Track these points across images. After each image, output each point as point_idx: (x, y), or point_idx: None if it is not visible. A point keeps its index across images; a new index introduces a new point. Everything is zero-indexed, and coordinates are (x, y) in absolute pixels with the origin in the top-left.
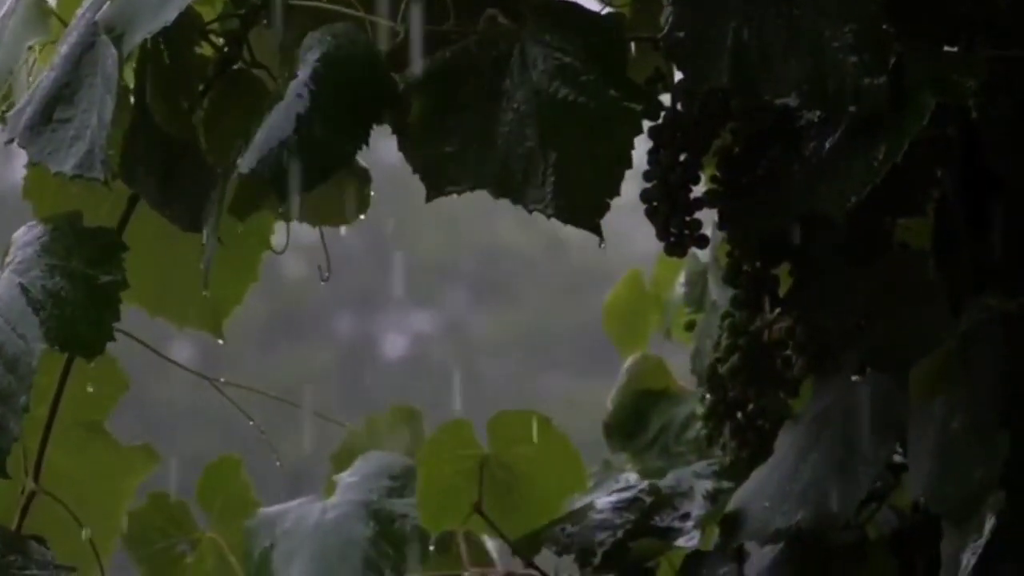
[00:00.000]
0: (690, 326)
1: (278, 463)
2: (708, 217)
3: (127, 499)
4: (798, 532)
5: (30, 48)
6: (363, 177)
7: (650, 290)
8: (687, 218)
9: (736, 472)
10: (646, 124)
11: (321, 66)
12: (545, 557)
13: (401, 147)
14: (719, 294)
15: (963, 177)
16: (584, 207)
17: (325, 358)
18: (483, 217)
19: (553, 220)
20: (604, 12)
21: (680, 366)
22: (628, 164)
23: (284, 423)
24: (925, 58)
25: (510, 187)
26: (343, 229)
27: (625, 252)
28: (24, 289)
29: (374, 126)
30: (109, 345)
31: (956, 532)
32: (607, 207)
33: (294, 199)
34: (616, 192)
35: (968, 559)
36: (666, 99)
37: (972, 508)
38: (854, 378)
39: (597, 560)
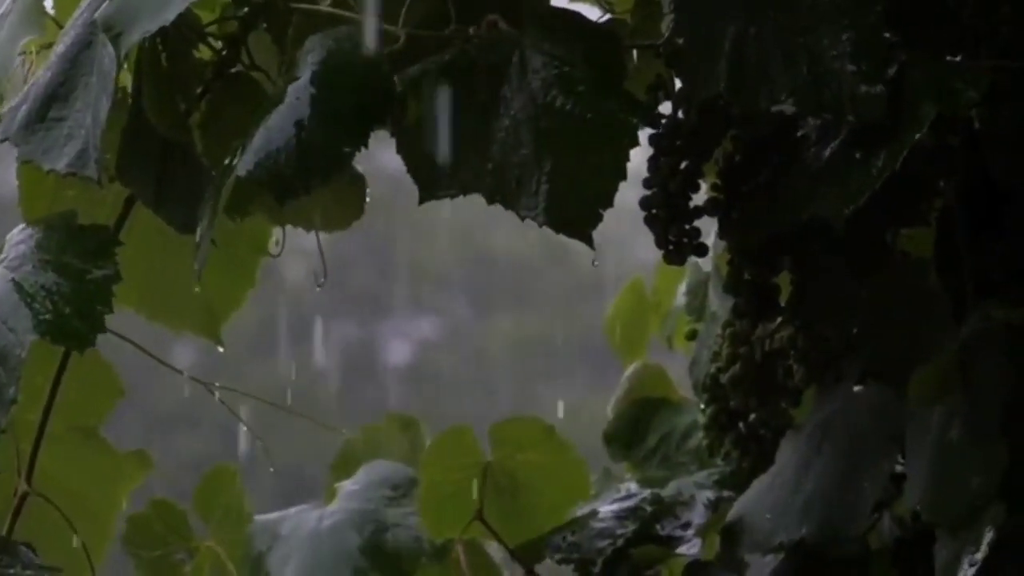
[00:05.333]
0: (692, 335)
1: (271, 469)
2: (709, 226)
3: (120, 505)
4: (801, 545)
5: (24, 51)
6: (359, 183)
7: (651, 298)
8: (686, 226)
9: (737, 482)
10: (647, 131)
11: (321, 69)
12: (546, 565)
13: (399, 149)
14: (718, 304)
15: (965, 186)
16: (576, 217)
17: (326, 365)
18: (485, 224)
19: None
20: (605, 19)
21: (681, 375)
22: (622, 176)
23: (283, 429)
24: (927, 67)
25: (503, 193)
26: (344, 234)
27: (629, 260)
28: (16, 284)
29: (375, 132)
30: (105, 351)
31: (951, 539)
32: (599, 218)
33: (291, 203)
34: (609, 203)
35: (966, 570)
36: (667, 107)
37: (968, 518)
38: (855, 388)
39: (597, 568)
